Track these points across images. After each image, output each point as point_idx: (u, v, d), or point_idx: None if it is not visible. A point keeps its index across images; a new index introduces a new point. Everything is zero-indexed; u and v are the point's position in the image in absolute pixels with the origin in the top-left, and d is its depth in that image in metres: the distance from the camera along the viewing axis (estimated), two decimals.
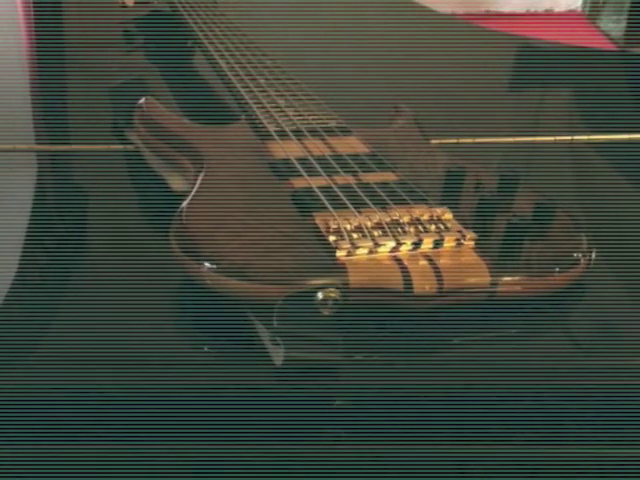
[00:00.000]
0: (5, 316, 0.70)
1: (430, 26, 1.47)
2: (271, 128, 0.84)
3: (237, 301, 0.63)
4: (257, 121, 0.86)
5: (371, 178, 0.75)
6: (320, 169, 0.76)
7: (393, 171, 0.76)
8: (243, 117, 0.88)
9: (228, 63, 1.01)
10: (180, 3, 1.25)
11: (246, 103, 0.90)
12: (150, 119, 0.87)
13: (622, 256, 0.75)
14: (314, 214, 0.69)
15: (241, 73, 0.98)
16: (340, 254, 0.64)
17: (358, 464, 0.58)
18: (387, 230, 0.66)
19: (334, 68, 1.20)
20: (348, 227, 0.66)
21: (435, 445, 0.58)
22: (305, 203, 0.71)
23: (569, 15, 3.32)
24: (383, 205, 0.70)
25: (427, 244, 0.66)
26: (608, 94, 1.19)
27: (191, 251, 0.65)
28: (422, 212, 0.68)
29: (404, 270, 0.64)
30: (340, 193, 0.72)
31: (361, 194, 0.71)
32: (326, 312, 0.62)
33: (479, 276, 0.65)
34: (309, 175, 0.75)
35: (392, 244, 0.65)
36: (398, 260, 0.65)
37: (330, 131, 0.84)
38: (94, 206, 0.86)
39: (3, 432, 0.57)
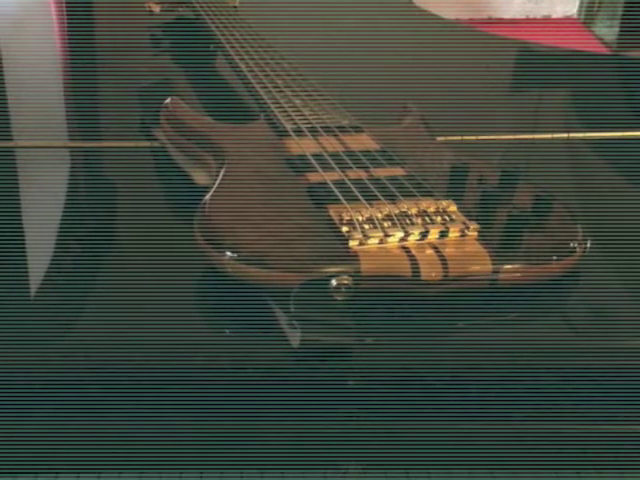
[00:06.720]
0: (40, 302, 0.70)
1: (436, 31, 1.46)
2: (288, 126, 0.84)
3: (256, 287, 0.63)
4: (275, 119, 0.86)
5: (381, 173, 0.75)
6: (334, 164, 0.76)
7: (402, 166, 0.76)
8: (262, 116, 0.88)
9: (248, 65, 1.01)
10: (203, 10, 1.25)
11: (264, 103, 0.90)
12: (175, 118, 0.87)
13: (615, 245, 0.75)
14: (328, 206, 0.69)
15: (260, 74, 0.97)
16: (352, 244, 0.64)
17: (370, 439, 0.58)
18: (396, 221, 0.66)
19: (347, 70, 1.20)
20: (360, 218, 0.66)
21: (440, 421, 0.58)
22: (320, 196, 0.70)
23: (565, 21, 3.32)
24: (392, 198, 0.70)
25: (433, 234, 0.66)
26: (602, 94, 1.18)
27: (213, 241, 0.65)
28: (429, 204, 0.68)
29: (412, 259, 0.64)
30: (352, 187, 0.71)
31: (372, 188, 0.71)
32: (339, 298, 0.62)
33: (482, 264, 0.65)
34: (323, 170, 0.75)
35: (401, 234, 0.65)
36: (406, 249, 0.65)
37: (343, 129, 0.84)
38: (123, 198, 0.86)
39: (41, 409, 0.57)
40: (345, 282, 0.62)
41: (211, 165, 0.79)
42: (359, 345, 0.60)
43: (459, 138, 0.97)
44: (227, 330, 0.66)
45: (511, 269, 0.65)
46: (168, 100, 0.89)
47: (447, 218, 0.67)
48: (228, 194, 0.72)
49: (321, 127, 0.84)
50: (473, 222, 0.67)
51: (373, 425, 0.57)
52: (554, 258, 0.67)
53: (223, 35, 1.12)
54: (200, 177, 0.81)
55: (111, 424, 0.57)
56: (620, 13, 3.12)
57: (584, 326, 0.68)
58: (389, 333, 0.64)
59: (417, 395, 0.59)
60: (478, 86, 1.18)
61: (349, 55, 1.28)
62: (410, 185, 0.72)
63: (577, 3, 3.31)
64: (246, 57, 1.03)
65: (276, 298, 0.62)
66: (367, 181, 0.73)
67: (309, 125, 0.84)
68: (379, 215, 0.67)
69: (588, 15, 3.28)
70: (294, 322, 0.59)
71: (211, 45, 1.23)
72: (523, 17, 3.30)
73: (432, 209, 0.68)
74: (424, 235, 0.66)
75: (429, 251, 0.65)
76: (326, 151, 0.79)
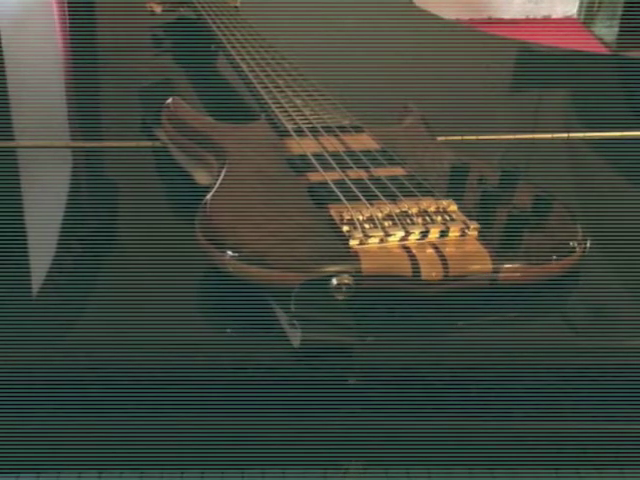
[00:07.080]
0: (42, 301, 0.70)
1: (436, 31, 1.46)
2: (289, 126, 0.84)
3: (257, 287, 0.63)
4: (276, 119, 0.86)
5: (382, 172, 0.75)
6: (334, 164, 0.76)
7: (402, 166, 0.76)
8: (263, 116, 0.88)
9: (249, 65, 1.01)
10: (204, 10, 1.25)
11: (265, 103, 0.90)
12: (177, 118, 0.87)
13: (615, 245, 0.75)
14: (329, 206, 0.69)
15: (261, 75, 0.97)
16: (353, 243, 0.64)
17: (370, 438, 0.58)
18: (397, 221, 0.66)
19: (348, 70, 1.20)
20: (360, 218, 0.66)
21: (440, 420, 0.58)
22: (320, 196, 0.70)
23: (565, 21, 3.32)
24: (393, 197, 0.70)
25: (434, 234, 0.66)
26: (602, 94, 1.18)
27: (215, 240, 0.65)
28: (429, 204, 0.68)
29: (412, 258, 0.64)
30: (353, 186, 0.71)
31: (372, 187, 0.71)
32: (340, 297, 0.62)
33: (482, 264, 0.65)
34: (324, 170, 0.75)
35: (401, 234, 0.65)
36: (407, 249, 0.65)
37: (344, 129, 0.84)
38: (124, 198, 0.86)
39: (43, 408, 0.57)
40: (346, 281, 0.62)
41: (212, 165, 0.79)
42: (360, 344, 0.60)
43: (459, 138, 0.97)
44: (228, 329, 0.66)
45: (511, 269, 0.65)
46: (169, 100, 0.89)
47: (447, 218, 0.67)
48: (229, 194, 0.71)
49: (322, 127, 0.84)
50: (473, 222, 0.67)
51: (374, 424, 0.57)
52: (554, 258, 0.67)
53: (224, 35, 1.12)
54: (201, 177, 0.81)
55: (112, 423, 0.57)
56: (620, 13, 3.12)
57: (584, 326, 0.68)
58: (389, 332, 0.64)
59: (417, 394, 0.59)
60: (478, 86, 1.18)
61: (350, 55, 1.28)
62: (410, 185, 0.72)
63: (577, 3, 3.31)
64: (247, 57, 1.03)
65: (277, 297, 0.62)
66: (368, 181, 0.73)
67: (310, 125, 0.84)
68: (380, 215, 0.67)
69: (588, 15, 3.28)
70: (295, 321, 0.59)
71: (212, 45, 1.23)
72: (523, 17, 3.30)
73: (432, 209, 0.68)
74: (424, 234, 0.66)
75: (429, 250, 0.65)
76: (327, 151, 0.79)
